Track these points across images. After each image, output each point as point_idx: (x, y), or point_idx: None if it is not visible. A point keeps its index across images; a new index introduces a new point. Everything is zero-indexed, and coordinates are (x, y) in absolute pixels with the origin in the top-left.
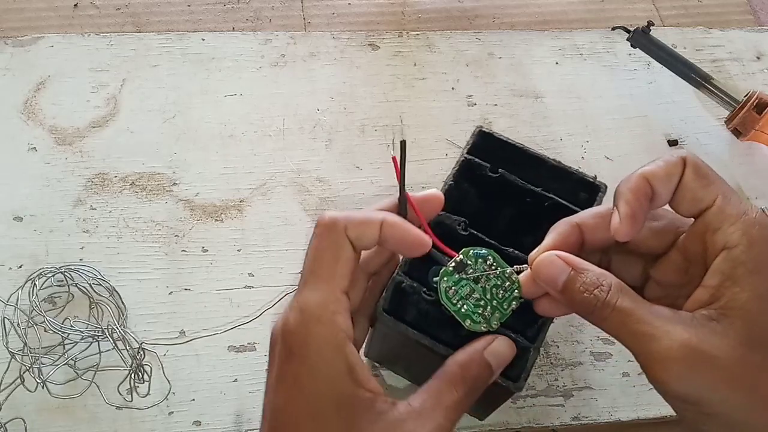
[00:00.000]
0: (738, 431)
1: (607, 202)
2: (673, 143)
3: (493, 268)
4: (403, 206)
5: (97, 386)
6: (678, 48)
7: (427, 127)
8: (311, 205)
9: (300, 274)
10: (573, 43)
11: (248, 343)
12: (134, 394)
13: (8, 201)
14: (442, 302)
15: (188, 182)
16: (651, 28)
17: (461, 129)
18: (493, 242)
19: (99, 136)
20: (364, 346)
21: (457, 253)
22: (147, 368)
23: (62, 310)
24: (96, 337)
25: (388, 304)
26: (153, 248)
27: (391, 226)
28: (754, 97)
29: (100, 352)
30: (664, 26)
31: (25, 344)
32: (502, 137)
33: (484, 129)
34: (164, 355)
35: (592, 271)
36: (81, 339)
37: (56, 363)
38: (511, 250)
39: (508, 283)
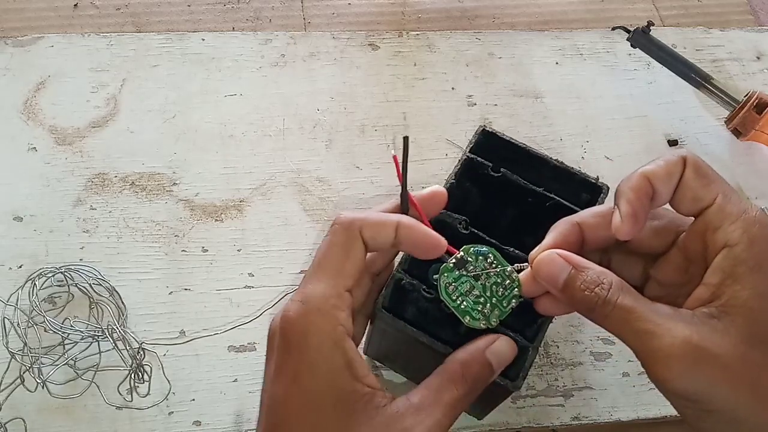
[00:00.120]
0: (739, 428)
1: (609, 203)
2: (673, 143)
3: (493, 266)
4: (404, 204)
5: (97, 386)
6: (678, 48)
7: (427, 127)
8: (311, 205)
9: (306, 270)
10: (573, 43)
11: (248, 343)
12: (134, 394)
13: (8, 201)
14: (441, 298)
15: (188, 182)
16: (651, 28)
17: (461, 129)
18: (494, 241)
19: (99, 136)
20: (362, 343)
21: (458, 250)
22: (147, 368)
23: (62, 310)
24: (96, 337)
25: (388, 302)
26: (153, 248)
27: (408, 228)
28: (754, 97)
29: (100, 352)
30: (664, 26)
31: (25, 344)
32: (504, 137)
33: (487, 128)
34: (164, 355)
35: (593, 269)
36: (81, 339)
37: (56, 363)
38: (512, 249)
39: (508, 281)
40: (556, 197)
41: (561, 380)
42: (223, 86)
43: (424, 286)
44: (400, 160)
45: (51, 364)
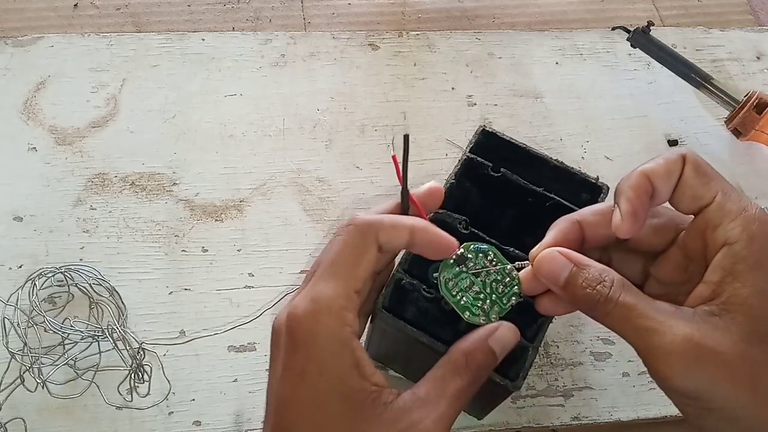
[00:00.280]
0: (740, 426)
1: (608, 202)
2: (673, 143)
3: (493, 263)
4: (405, 204)
5: (97, 386)
6: (678, 48)
7: (427, 127)
8: (311, 205)
9: (307, 270)
10: (573, 43)
11: (248, 343)
12: (134, 394)
13: (8, 201)
14: (441, 294)
15: (188, 182)
16: (651, 28)
17: (461, 129)
18: (494, 241)
19: (99, 136)
20: (362, 343)
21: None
22: (147, 368)
23: (62, 310)
24: (96, 337)
25: (388, 302)
26: (153, 248)
27: (422, 232)
28: (754, 97)
29: (100, 352)
30: (664, 26)
31: (25, 344)
32: (505, 137)
33: (487, 128)
34: (164, 355)
35: (594, 267)
36: (81, 339)
37: (56, 363)
38: (512, 249)
39: (507, 279)
40: (556, 197)
41: (561, 380)
42: (223, 86)
43: (424, 286)
44: (399, 159)
45: (51, 364)
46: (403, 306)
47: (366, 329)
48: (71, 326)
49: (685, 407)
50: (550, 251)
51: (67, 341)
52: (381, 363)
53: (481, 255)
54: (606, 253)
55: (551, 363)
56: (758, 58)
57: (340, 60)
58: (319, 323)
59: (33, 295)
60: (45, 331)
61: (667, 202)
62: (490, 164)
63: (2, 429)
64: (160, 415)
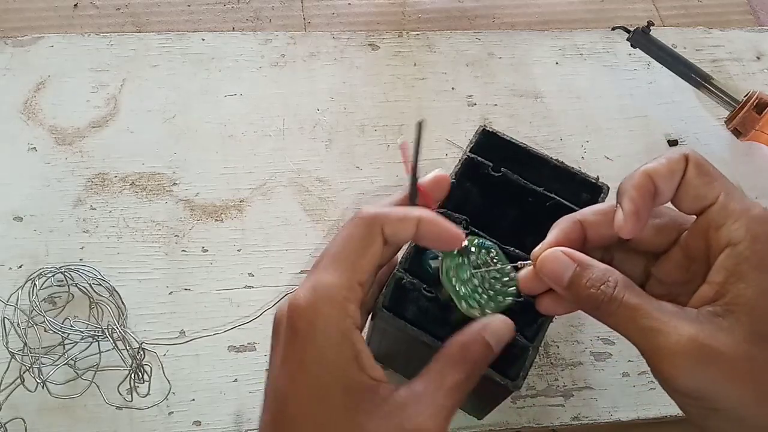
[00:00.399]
0: (742, 426)
1: (609, 201)
2: (673, 143)
3: (494, 260)
4: (413, 194)
5: (97, 386)
6: (678, 48)
7: (427, 127)
8: (311, 205)
9: (307, 270)
10: (573, 43)
11: (248, 343)
12: (134, 394)
13: (8, 201)
14: (441, 281)
15: (188, 182)
16: (651, 28)
17: (461, 129)
18: (494, 241)
19: (99, 136)
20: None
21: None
22: (147, 368)
23: (62, 310)
24: (96, 337)
25: (388, 301)
26: (153, 248)
27: (429, 224)
28: (754, 97)
29: (100, 352)
30: (664, 26)
31: (25, 344)
32: (505, 136)
33: (487, 128)
34: (164, 355)
35: (598, 266)
36: (81, 339)
37: (56, 363)
38: (512, 249)
39: (506, 279)
40: (556, 197)
41: (561, 380)
42: (223, 86)
43: (425, 285)
44: (409, 148)
45: (51, 364)
46: (404, 305)
47: (366, 328)
48: (71, 326)
49: (689, 407)
50: (553, 251)
51: (67, 341)
52: (381, 362)
53: (483, 251)
54: (608, 252)
55: (551, 363)
56: (758, 58)
57: (340, 60)
58: (320, 313)
59: (33, 295)
60: (45, 331)
61: (669, 203)
62: (491, 164)
63: (2, 429)
64: (160, 415)
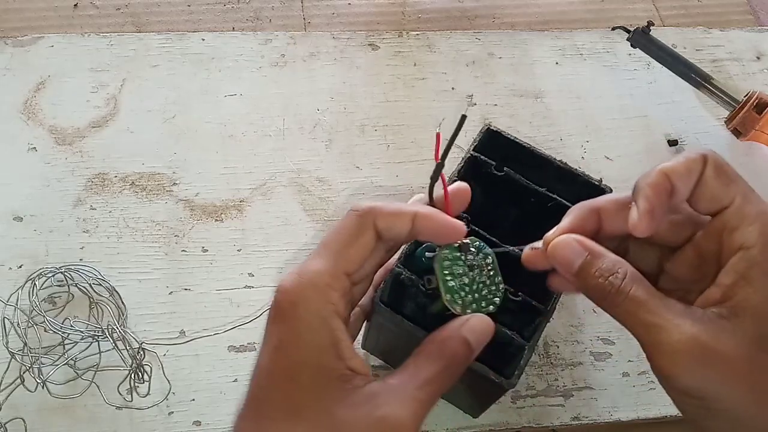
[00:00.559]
0: (739, 428)
1: (629, 193)
2: (673, 143)
3: (489, 267)
4: (431, 193)
5: (97, 386)
6: (678, 48)
7: (427, 127)
8: (311, 205)
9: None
10: (573, 43)
11: (248, 343)
12: (134, 394)
13: (8, 201)
14: (434, 268)
15: (188, 182)
16: (651, 28)
17: (461, 129)
18: (494, 240)
19: (99, 136)
20: (360, 337)
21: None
22: (147, 368)
23: (62, 310)
24: (96, 337)
25: (387, 296)
26: (153, 248)
27: (426, 219)
28: (754, 97)
29: (100, 352)
30: (664, 26)
31: (25, 344)
32: (509, 136)
33: (491, 127)
34: (164, 355)
35: (608, 257)
36: (81, 339)
37: (56, 363)
38: (512, 248)
39: (494, 288)
40: (558, 198)
41: (561, 380)
42: (223, 86)
43: (423, 282)
44: (443, 138)
45: (51, 364)
46: (402, 301)
47: (363, 328)
48: (71, 326)
49: (686, 406)
50: (566, 237)
51: (67, 341)
52: (379, 358)
53: (482, 255)
54: (623, 242)
55: (551, 363)
56: (758, 58)
57: (340, 60)
58: (301, 296)
59: (33, 295)
60: (45, 331)
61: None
62: (494, 163)
63: (2, 429)
64: (160, 415)
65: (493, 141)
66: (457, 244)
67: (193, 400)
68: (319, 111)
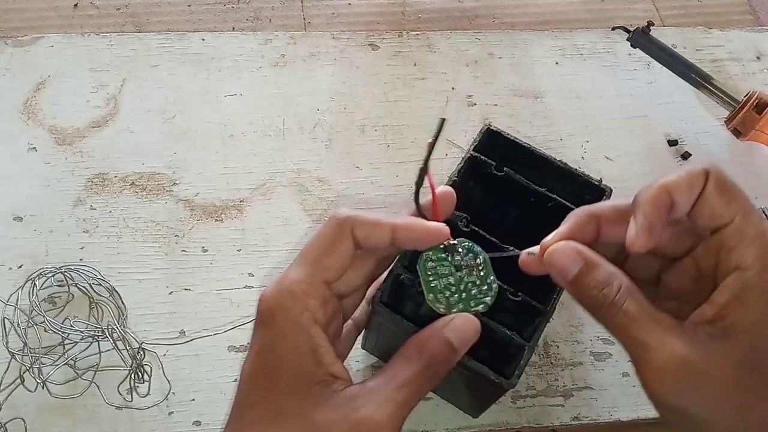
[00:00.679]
0: None
1: (629, 200)
2: (673, 143)
3: (479, 267)
4: (417, 199)
5: (97, 386)
6: (678, 48)
7: (427, 127)
8: (311, 205)
9: None
10: (573, 43)
11: (248, 343)
12: (134, 394)
13: (8, 201)
14: (417, 269)
15: (188, 182)
16: (651, 28)
17: (461, 129)
18: (493, 239)
19: (99, 136)
20: (360, 337)
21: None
22: (147, 368)
23: (62, 310)
24: (96, 337)
25: (386, 297)
26: (153, 248)
27: (405, 229)
28: (754, 97)
29: (100, 352)
30: (664, 26)
31: (25, 344)
32: (509, 136)
33: (491, 127)
34: (164, 355)
35: (604, 268)
36: (81, 339)
37: (56, 363)
38: (512, 248)
39: (485, 287)
40: (558, 198)
41: (561, 380)
42: (223, 86)
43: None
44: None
45: (51, 364)
46: (402, 301)
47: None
48: (71, 326)
49: (671, 420)
50: (564, 245)
51: (67, 341)
52: (378, 358)
53: (471, 255)
54: (623, 249)
55: (551, 363)
56: (758, 58)
57: (340, 60)
58: (279, 304)
59: (33, 295)
60: (45, 331)
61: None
62: (494, 163)
63: (2, 429)
64: (160, 415)
65: (493, 141)
66: (443, 245)
67: (193, 400)
68: (319, 111)
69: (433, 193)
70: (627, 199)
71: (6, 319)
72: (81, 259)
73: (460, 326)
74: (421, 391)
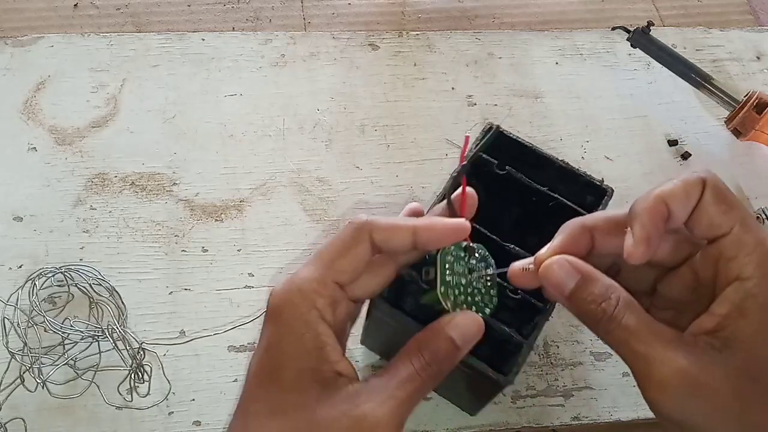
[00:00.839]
0: None
1: (613, 206)
2: (673, 143)
3: (487, 278)
4: (450, 193)
5: (97, 386)
6: (678, 48)
7: (427, 127)
8: (311, 205)
9: None
10: (573, 43)
11: (248, 343)
12: (134, 394)
13: (8, 201)
14: (437, 259)
15: (188, 182)
16: (651, 28)
17: (461, 129)
18: (494, 237)
19: (99, 136)
20: (360, 334)
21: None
22: (147, 368)
23: (62, 310)
24: (96, 337)
25: (387, 292)
26: (153, 248)
27: (427, 229)
28: (754, 97)
29: (100, 352)
30: (664, 26)
31: (25, 344)
32: (512, 135)
33: (501, 130)
34: (164, 355)
35: (602, 281)
36: (81, 339)
37: (56, 363)
38: (512, 246)
39: (487, 296)
40: (559, 197)
41: (561, 380)
42: (223, 86)
43: (422, 273)
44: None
45: (51, 364)
46: (402, 298)
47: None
48: (71, 326)
49: (672, 430)
50: (559, 259)
51: (67, 341)
52: (378, 354)
53: (483, 263)
54: (617, 259)
55: (551, 363)
56: (758, 58)
57: (340, 60)
58: (288, 301)
59: (33, 295)
60: (45, 331)
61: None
62: (496, 162)
63: (2, 429)
64: (160, 415)
65: (495, 140)
66: (464, 245)
67: (193, 400)
68: (319, 111)
69: (464, 189)
70: (627, 199)
71: (6, 319)
72: (81, 259)
73: (464, 324)
74: (423, 389)
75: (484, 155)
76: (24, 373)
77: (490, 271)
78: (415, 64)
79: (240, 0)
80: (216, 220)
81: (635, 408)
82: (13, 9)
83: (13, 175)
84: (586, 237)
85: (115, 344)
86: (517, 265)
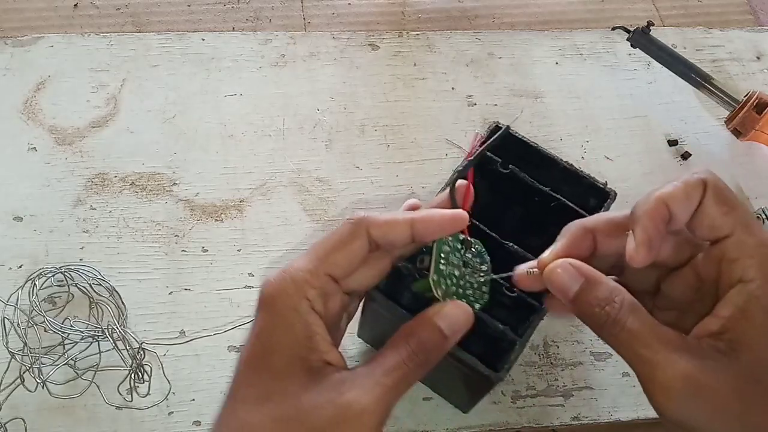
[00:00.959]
0: None
1: (613, 207)
2: (673, 143)
3: (481, 274)
4: (453, 186)
5: (97, 386)
6: (678, 48)
7: (427, 127)
8: (311, 205)
9: None
10: (573, 43)
11: None
12: (134, 394)
13: (8, 201)
14: (432, 248)
15: (188, 182)
16: (651, 28)
17: (461, 129)
18: (494, 235)
19: (99, 136)
20: (356, 326)
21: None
22: (147, 368)
23: (62, 310)
24: (96, 337)
25: (384, 284)
26: (153, 248)
27: (425, 221)
28: (754, 97)
29: (100, 352)
30: (664, 26)
31: (25, 344)
32: (517, 135)
33: (499, 125)
34: (164, 355)
35: (606, 285)
36: (81, 339)
37: (56, 363)
38: (511, 244)
39: (479, 293)
40: (561, 198)
41: (561, 380)
42: (223, 86)
43: (417, 261)
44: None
45: (51, 364)
46: (399, 290)
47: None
48: (71, 326)
49: None
50: (562, 262)
51: (67, 341)
52: (373, 346)
53: (478, 259)
54: (620, 260)
55: (551, 363)
56: (758, 58)
57: (340, 60)
58: (279, 290)
59: (33, 295)
60: (45, 331)
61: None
62: (499, 160)
63: (2, 429)
64: (160, 415)
65: (500, 139)
66: (462, 237)
67: (193, 400)
68: (319, 111)
69: (471, 181)
70: (626, 199)
71: (6, 319)
72: (81, 259)
73: (452, 313)
74: (409, 377)
75: (488, 153)
76: (24, 373)
77: (484, 268)
78: (415, 64)
79: (240, 0)
80: (216, 220)
81: (635, 408)
82: (13, 9)
83: (13, 175)
84: (588, 239)
85: (115, 344)
86: (522, 268)
